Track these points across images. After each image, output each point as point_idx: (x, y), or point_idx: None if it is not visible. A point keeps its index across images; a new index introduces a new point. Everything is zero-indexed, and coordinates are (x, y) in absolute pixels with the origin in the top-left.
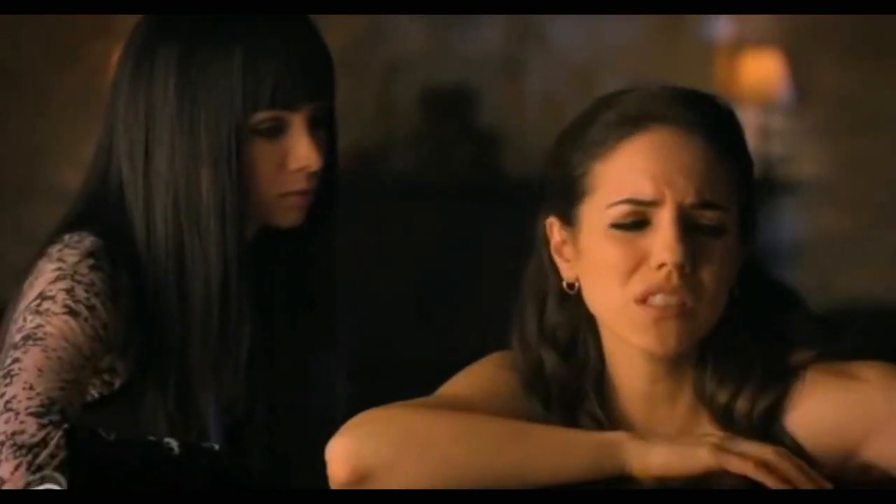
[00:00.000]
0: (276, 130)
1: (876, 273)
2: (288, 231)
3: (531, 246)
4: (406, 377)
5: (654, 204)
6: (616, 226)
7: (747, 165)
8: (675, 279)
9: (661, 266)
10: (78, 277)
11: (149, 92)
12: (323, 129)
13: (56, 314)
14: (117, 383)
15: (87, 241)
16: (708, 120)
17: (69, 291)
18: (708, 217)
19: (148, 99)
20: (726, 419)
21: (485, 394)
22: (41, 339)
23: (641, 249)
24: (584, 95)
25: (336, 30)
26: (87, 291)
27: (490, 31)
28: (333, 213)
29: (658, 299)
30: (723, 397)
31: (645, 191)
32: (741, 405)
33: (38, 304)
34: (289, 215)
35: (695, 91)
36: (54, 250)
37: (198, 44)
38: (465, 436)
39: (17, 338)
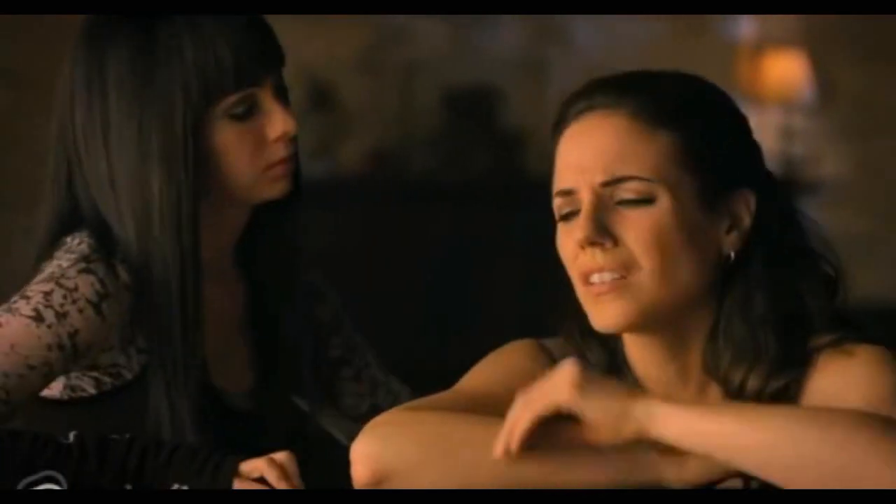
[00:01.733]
0: (249, 110)
1: None
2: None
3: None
4: (424, 379)
5: (575, 192)
6: (560, 217)
7: (698, 133)
8: (597, 256)
9: (583, 246)
10: (62, 281)
11: (104, 106)
12: (283, 94)
13: (21, 315)
14: (128, 375)
15: (86, 243)
16: (633, 97)
17: (47, 294)
18: (628, 189)
19: (104, 112)
20: (737, 396)
21: (508, 385)
22: None
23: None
24: None
25: (357, 31)
26: (65, 297)
27: (511, 31)
28: (300, 186)
29: (595, 278)
30: (736, 375)
31: (566, 182)
32: (753, 383)
33: (14, 302)
34: (276, 186)
35: (634, 73)
36: (58, 253)
37: (145, 51)
38: (489, 442)
39: None
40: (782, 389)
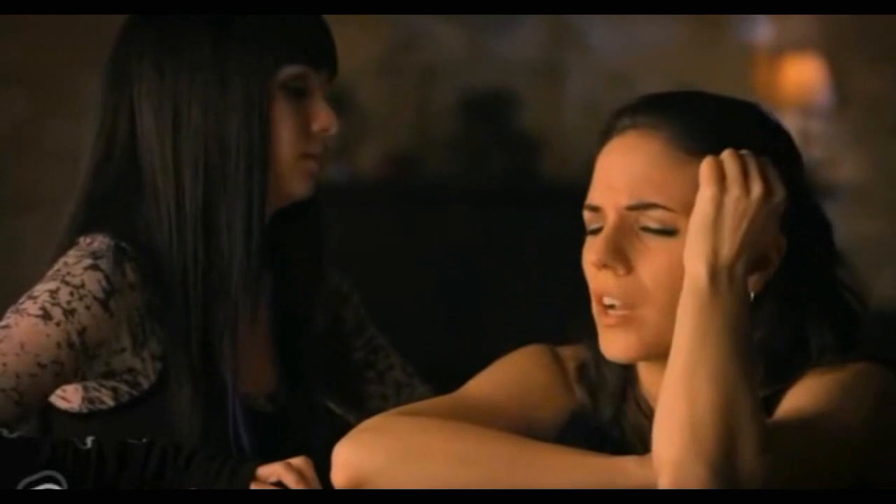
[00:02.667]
0: (300, 92)
1: None
2: (292, 211)
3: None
4: (438, 381)
5: (602, 209)
6: (588, 231)
7: None
8: (609, 280)
9: (597, 268)
10: (68, 279)
11: (177, 55)
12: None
13: (29, 315)
14: (145, 384)
15: (97, 243)
16: (674, 122)
17: (53, 293)
18: (652, 217)
19: (176, 60)
20: None
21: (511, 392)
22: None
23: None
24: (623, 100)
25: (374, 35)
26: (71, 294)
27: (528, 35)
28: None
29: (606, 299)
30: None
31: (595, 198)
32: None
33: (22, 303)
34: (303, 183)
35: (686, 93)
36: (69, 252)
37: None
38: (466, 455)
39: None
40: (764, 400)
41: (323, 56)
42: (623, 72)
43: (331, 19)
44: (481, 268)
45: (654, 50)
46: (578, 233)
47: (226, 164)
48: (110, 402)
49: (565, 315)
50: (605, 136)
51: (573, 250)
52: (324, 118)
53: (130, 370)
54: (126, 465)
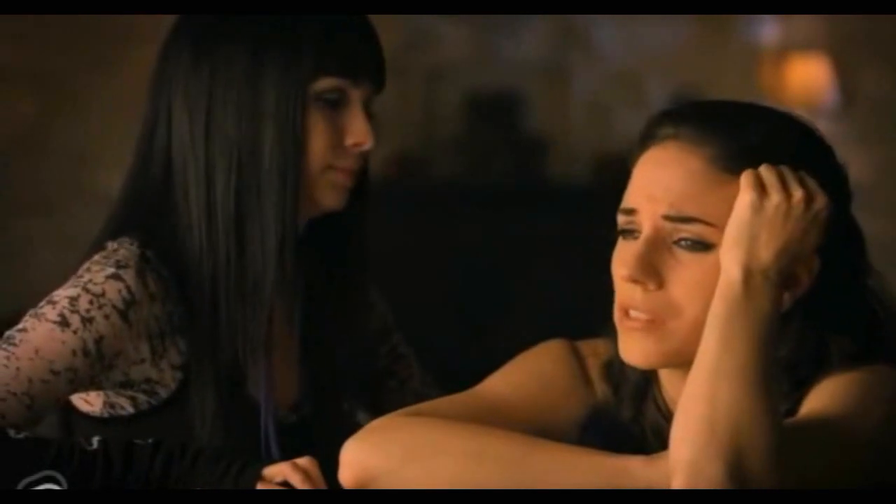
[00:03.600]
0: (337, 103)
1: None
2: (326, 222)
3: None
4: (448, 382)
5: (635, 213)
6: (620, 231)
7: None
8: (637, 294)
9: (627, 281)
10: (90, 286)
11: (213, 59)
12: (371, 119)
13: (46, 321)
14: (164, 393)
15: (123, 250)
16: (718, 139)
17: (73, 300)
18: (689, 230)
19: (213, 64)
20: None
21: (528, 389)
22: (14, 344)
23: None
24: (629, 100)
25: (380, 36)
26: (91, 303)
27: (534, 36)
28: (368, 203)
29: (633, 313)
30: None
31: (632, 202)
32: None
33: (41, 307)
34: (332, 195)
35: (733, 105)
36: (95, 257)
37: (269, 15)
38: (472, 454)
39: (6, 334)
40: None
41: (363, 68)
42: (629, 72)
43: None
44: (487, 268)
45: (660, 50)
46: (583, 232)
47: (259, 173)
48: (129, 409)
49: (571, 314)
50: (646, 140)
51: (580, 250)
52: (358, 133)
53: (148, 380)
54: (132, 465)
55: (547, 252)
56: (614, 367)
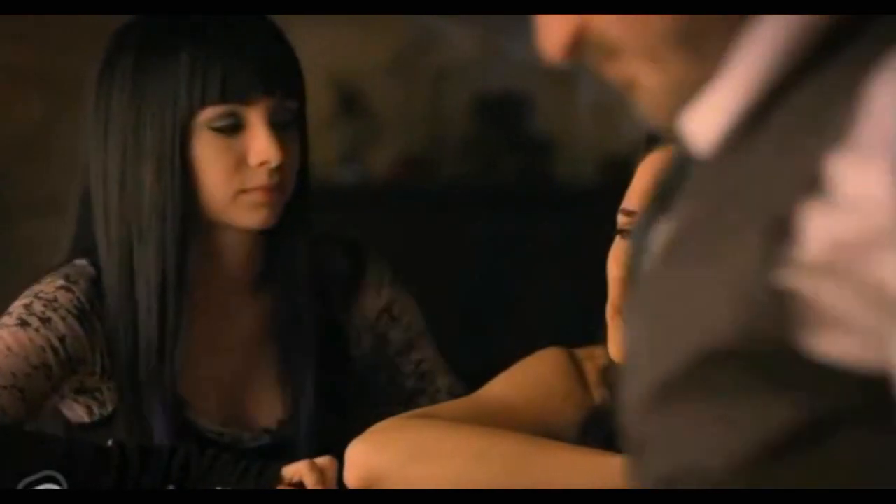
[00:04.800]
0: (233, 127)
1: None
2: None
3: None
4: (459, 381)
5: (635, 214)
6: (618, 231)
7: None
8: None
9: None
10: (41, 294)
11: (108, 103)
12: (291, 131)
13: (7, 326)
14: (110, 407)
15: (74, 268)
16: None
17: (27, 306)
18: None
19: (108, 109)
20: None
21: (527, 396)
22: None
23: None
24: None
25: (386, 37)
26: (45, 306)
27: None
28: (306, 216)
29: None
30: None
31: (632, 203)
32: None
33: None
34: (252, 214)
35: None
36: (46, 277)
37: (150, 50)
38: (476, 454)
39: None
40: None
41: (253, 87)
42: None
43: (343, 20)
44: (494, 269)
45: None
46: (591, 234)
47: (139, 215)
48: (86, 418)
49: (578, 316)
50: (651, 143)
51: (586, 252)
52: (261, 150)
53: (96, 389)
54: (148, 467)
55: (553, 253)
56: (611, 371)
